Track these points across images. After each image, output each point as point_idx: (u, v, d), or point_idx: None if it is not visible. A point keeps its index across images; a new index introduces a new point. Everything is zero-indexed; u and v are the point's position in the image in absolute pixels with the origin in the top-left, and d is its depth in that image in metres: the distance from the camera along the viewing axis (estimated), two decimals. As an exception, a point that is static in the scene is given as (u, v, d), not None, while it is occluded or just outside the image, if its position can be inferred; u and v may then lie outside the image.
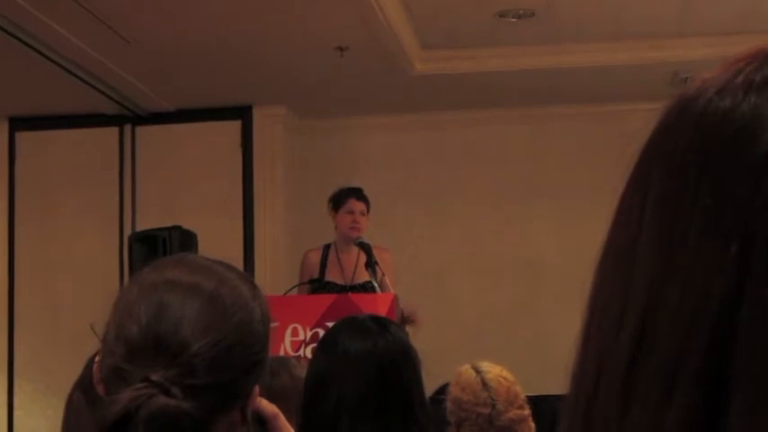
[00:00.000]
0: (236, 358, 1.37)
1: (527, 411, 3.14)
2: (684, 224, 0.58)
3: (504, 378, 3.15)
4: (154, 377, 1.31)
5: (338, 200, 6.38)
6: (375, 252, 6.08)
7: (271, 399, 1.55)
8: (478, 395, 3.09)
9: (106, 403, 1.29)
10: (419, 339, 2.79)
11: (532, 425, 3.13)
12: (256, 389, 1.43)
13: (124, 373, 1.33)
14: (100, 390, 1.38)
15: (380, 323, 2.54)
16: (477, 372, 3.16)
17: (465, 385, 3.13)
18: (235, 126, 8.05)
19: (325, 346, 2.53)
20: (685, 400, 0.56)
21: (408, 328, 5.82)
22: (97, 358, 1.42)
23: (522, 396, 3.16)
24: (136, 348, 1.34)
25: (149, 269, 1.47)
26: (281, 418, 1.54)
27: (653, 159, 0.62)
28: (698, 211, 0.58)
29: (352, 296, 5.88)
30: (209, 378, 1.33)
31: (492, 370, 3.17)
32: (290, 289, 6.28)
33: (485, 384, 3.11)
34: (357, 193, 6.39)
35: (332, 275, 6.37)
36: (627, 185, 0.63)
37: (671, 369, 0.56)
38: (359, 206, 6.32)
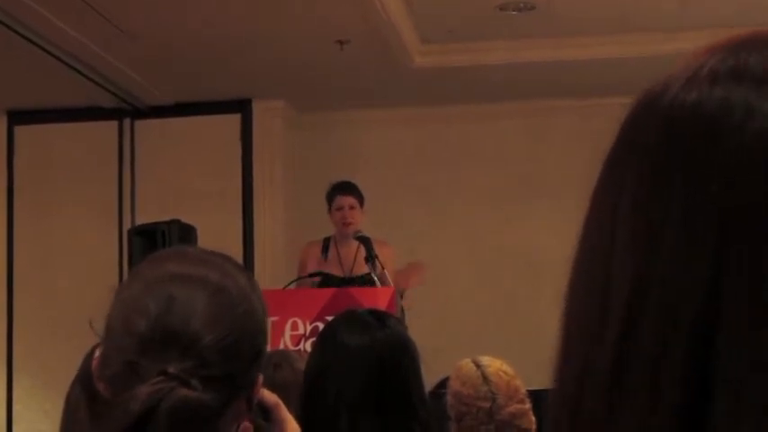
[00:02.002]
0: (243, 349, 1.38)
1: (527, 405, 3.13)
2: (660, 222, 0.57)
3: (505, 372, 3.14)
4: (171, 370, 1.30)
5: (328, 198, 6.36)
6: (375, 246, 6.07)
7: (273, 391, 1.55)
8: (479, 389, 3.08)
9: (121, 400, 1.28)
10: (419, 334, 2.78)
11: (533, 419, 3.12)
12: (260, 378, 1.44)
13: (137, 368, 1.31)
14: (100, 387, 1.36)
15: (379, 317, 2.54)
16: (478, 366, 3.15)
17: (465, 379, 3.12)
18: (234, 120, 8.04)
19: (324, 340, 2.52)
20: (671, 400, 0.55)
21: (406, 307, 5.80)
22: (96, 353, 1.40)
23: (523, 390, 3.15)
24: (147, 342, 1.33)
25: (148, 263, 1.46)
26: (283, 407, 1.55)
27: (623, 156, 0.61)
28: (673, 208, 0.57)
29: (352, 290, 5.87)
30: (221, 369, 1.33)
31: (492, 364, 3.16)
32: (290, 283, 6.27)
33: (485, 378, 3.10)
34: (343, 188, 6.34)
35: (331, 268, 6.35)
36: (598, 184, 0.62)
37: (656, 369, 0.56)
38: (347, 201, 6.27)
